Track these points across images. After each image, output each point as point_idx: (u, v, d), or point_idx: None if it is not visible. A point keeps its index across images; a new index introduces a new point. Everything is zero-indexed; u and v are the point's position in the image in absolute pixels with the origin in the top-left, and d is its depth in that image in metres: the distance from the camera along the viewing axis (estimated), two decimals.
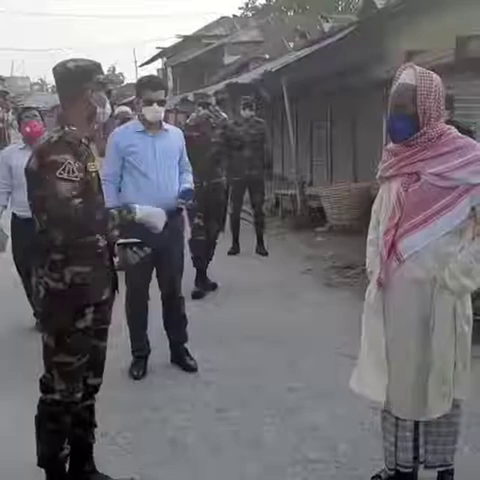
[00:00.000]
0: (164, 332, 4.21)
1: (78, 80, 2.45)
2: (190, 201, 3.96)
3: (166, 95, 3.91)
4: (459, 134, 2.45)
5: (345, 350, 4.05)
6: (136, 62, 44.90)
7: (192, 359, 4.15)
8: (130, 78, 52.37)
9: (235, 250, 7.76)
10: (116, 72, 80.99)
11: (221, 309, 5.50)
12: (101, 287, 2.52)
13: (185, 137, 4.14)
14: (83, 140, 2.48)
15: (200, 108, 6.12)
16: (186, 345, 4.21)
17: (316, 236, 8.49)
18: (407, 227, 2.43)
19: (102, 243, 2.51)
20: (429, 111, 2.39)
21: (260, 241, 7.74)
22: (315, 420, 3.41)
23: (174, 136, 4.00)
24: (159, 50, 29.32)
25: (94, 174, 2.49)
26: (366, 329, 2.58)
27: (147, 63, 33.12)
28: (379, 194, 2.64)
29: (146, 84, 3.84)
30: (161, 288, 4.11)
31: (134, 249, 2.59)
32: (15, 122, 7.96)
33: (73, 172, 2.35)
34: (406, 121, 2.41)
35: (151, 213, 2.59)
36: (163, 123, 3.95)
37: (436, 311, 2.43)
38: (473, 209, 2.41)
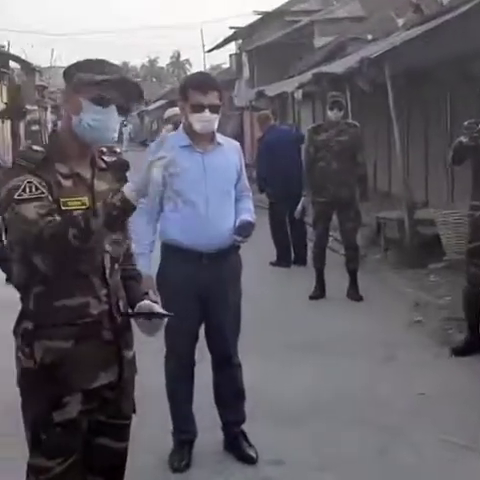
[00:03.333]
0: (215, 409, 4.17)
1: (66, 78, 2.47)
2: (249, 237, 3.88)
3: (221, 98, 3.87)
4: None
5: (454, 436, 3.99)
6: (204, 46, 45.76)
7: (251, 446, 4.11)
8: (198, 66, 53.62)
9: (319, 293, 7.72)
10: (181, 59, 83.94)
11: (291, 372, 5.44)
12: (90, 370, 2.43)
13: None
14: (61, 168, 2.41)
15: None
16: (243, 427, 4.16)
17: (429, 275, 8.34)
18: None
19: (95, 309, 2.43)
20: None
21: (353, 282, 7.66)
22: None
23: (230, 152, 3.97)
24: (232, 31, 29.81)
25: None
26: None
27: (217, 47, 33.76)
28: None
29: (193, 83, 3.83)
30: (211, 352, 4.09)
31: (153, 320, 2.54)
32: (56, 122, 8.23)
33: (37, 189, 2.30)
34: None
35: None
36: (217, 135, 3.90)
37: None
38: None
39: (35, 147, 2.43)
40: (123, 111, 2.48)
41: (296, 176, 8.47)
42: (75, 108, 2.42)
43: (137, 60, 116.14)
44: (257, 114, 11.49)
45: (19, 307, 2.47)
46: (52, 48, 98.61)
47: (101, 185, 2.50)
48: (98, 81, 2.38)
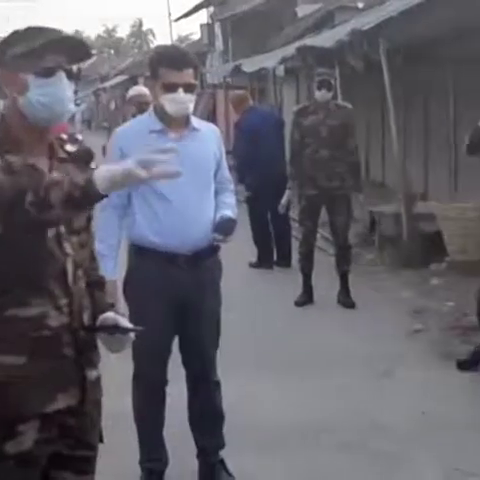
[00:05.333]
0: (189, 434, 4.17)
1: None
2: (230, 236, 3.88)
3: (196, 77, 3.87)
4: None
5: (468, 467, 3.97)
6: (170, 15, 45.60)
7: (231, 476, 4.12)
8: (163, 37, 53.55)
9: (305, 298, 7.74)
10: (143, 28, 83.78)
11: (277, 391, 5.45)
12: (46, 391, 2.40)
13: None
14: (12, 159, 2.33)
15: None
16: (222, 454, 4.17)
17: (430, 277, 8.40)
18: None
19: (55, 320, 2.39)
20: None
21: (344, 285, 7.70)
22: None
23: (208, 138, 3.97)
24: None
25: None
26: None
27: (185, 15, 33.76)
28: None
29: (165, 59, 3.79)
30: (186, 368, 4.10)
31: (116, 335, 2.52)
32: None
33: None
34: None
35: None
36: (192, 119, 3.90)
37: None
38: None
39: None
40: (73, 76, 2.44)
41: (279, 165, 8.53)
42: (19, 88, 2.38)
43: (92, 30, 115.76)
44: (232, 95, 11.44)
45: None
46: (7, 16, 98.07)
47: None
48: (35, 48, 2.34)
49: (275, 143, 9.13)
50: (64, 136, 2.56)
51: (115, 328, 2.52)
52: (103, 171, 2.17)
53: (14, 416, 2.37)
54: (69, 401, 2.45)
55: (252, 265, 9.42)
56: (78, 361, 2.47)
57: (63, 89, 2.40)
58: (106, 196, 2.18)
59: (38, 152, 2.44)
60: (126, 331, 2.55)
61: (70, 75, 2.42)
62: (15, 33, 2.43)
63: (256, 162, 9.01)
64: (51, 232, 2.40)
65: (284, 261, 9.31)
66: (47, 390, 2.41)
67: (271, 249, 9.50)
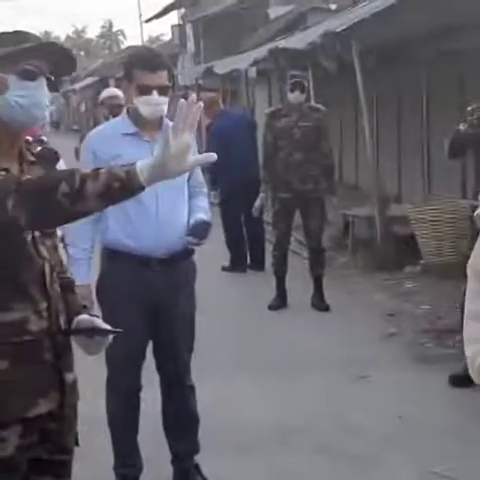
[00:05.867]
0: (163, 439, 4.17)
1: None
2: (205, 239, 3.90)
3: (171, 79, 3.88)
4: None
5: (444, 470, 3.99)
6: (141, 16, 45.50)
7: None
8: (133, 38, 53.37)
9: (279, 302, 7.76)
10: (113, 29, 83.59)
11: (250, 395, 5.46)
12: (27, 396, 2.41)
13: None
14: None
15: None
16: (196, 458, 4.18)
17: (404, 280, 8.43)
18: None
19: (35, 325, 2.41)
20: None
21: (318, 288, 7.72)
22: None
23: None
24: None
25: None
26: None
27: (156, 17, 33.69)
28: None
29: (139, 62, 3.81)
30: (160, 372, 4.10)
31: (95, 338, 2.53)
32: None
33: None
34: None
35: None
36: (166, 121, 3.89)
37: None
38: None
39: None
40: (52, 84, 2.46)
41: (252, 169, 8.59)
42: None
43: (61, 30, 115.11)
44: (202, 98, 11.43)
45: None
46: None
47: None
48: (22, 51, 2.35)
49: (247, 146, 9.17)
50: (29, 138, 2.56)
51: (94, 331, 2.53)
52: (146, 164, 2.17)
53: None
54: (50, 405, 2.46)
55: (225, 269, 9.43)
56: (56, 365, 2.48)
57: (42, 95, 2.42)
58: (144, 188, 2.19)
59: (10, 156, 2.45)
60: (105, 333, 2.56)
61: (50, 84, 2.43)
62: (3, 34, 2.43)
63: (229, 166, 8.98)
64: (27, 236, 2.41)
65: (258, 265, 9.33)
66: (29, 395, 2.42)
67: (244, 252, 9.52)
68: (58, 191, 2.15)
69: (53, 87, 2.46)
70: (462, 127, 5.58)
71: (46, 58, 2.40)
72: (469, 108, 5.73)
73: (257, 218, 8.61)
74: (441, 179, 10.32)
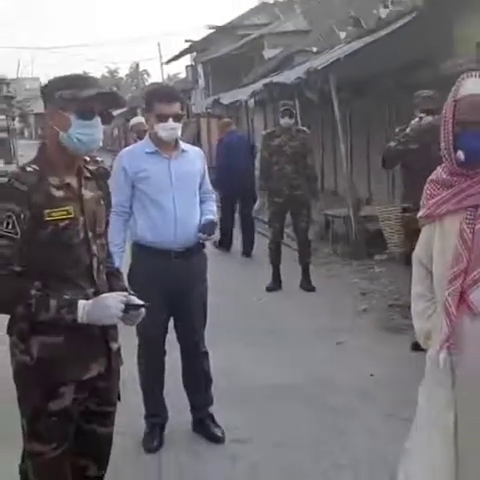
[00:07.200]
0: (183, 393, 4.18)
1: (46, 97, 2.42)
2: (213, 235, 3.92)
3: (183, 108, 3.91)
4: None
5: (403, 412, 3.92)
6: (161, 58, 45.52)
7: (218, 426, 4.13)
8: (155, 76, 53.34)
9: (275, 285, 7.74)
10: (139, 70, 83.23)
11: (250, 358, 5.45)
12: (82, 362, 2.45)
13: None
14: (54, 181, 2.38)
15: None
16: (211, 409, 4.17)
17: (374, 266, 8.41)
18: None
19: None
20: None
21: (305, 274, 7.70)
22: None
23: (194, 158, 3.99)
24: (188, 44, 29.70)
25: (65, 222, 2.38)
26: (428, 410, 2.45)
27: (174, 59, 33.58)
28: (424, 238, 2.56)
29: (157, 95, 3.84)
30: (180, 341, 4.10)
31: (130, 312, 2.51)
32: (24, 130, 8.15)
33: (13, 227, 2.29)
34: None
35: (98, 316, 2.36)
36: (180, 142, 3.93)
37: None
38: None
39: (28, 168, 2.38)
40: (105, 119, 2.47)
41: (248, 177, 9.32)
42: (63, 124, 2.39)
43: (97, 72, 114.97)
44: (220, 121, 11.62)
45: None
46: (18, 59, 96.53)
47: (88, 193, 2.50)
48: (83, 97, 2.35)
49: (245, 157, 9.65)
50: (87, 158, 2.59)
51: (132, 305, 2.52)
52: (85, 308, 2.35)
53: (58, 383, 2.41)
54: (99, 368, 2.50)
55: (215, 245, 9.66)
56: (104, 336, 2.51)
57: (98, 131, 2.43)
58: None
59: (71, 173, 2.47)
60: (137, 307, 2.56)
61: (104, 119, 2.45)
62: (66, 78, 2.43)
63: (230, 171, 9.43)
64: (78, 238, 2.43)
65: (246, 253, 9.74)
66: (82, 362, 2.45)
67: (229, 238, 9.98)
68: (17, 308, 2.33)
69: (106, 121, 2.48)
70: (392, 144, 5.59)
71: (101, 100, 2.41)
72: (396, 129, 5.76)
73: (250, 218, 9.22)
74: (401, 185, 10.29)
